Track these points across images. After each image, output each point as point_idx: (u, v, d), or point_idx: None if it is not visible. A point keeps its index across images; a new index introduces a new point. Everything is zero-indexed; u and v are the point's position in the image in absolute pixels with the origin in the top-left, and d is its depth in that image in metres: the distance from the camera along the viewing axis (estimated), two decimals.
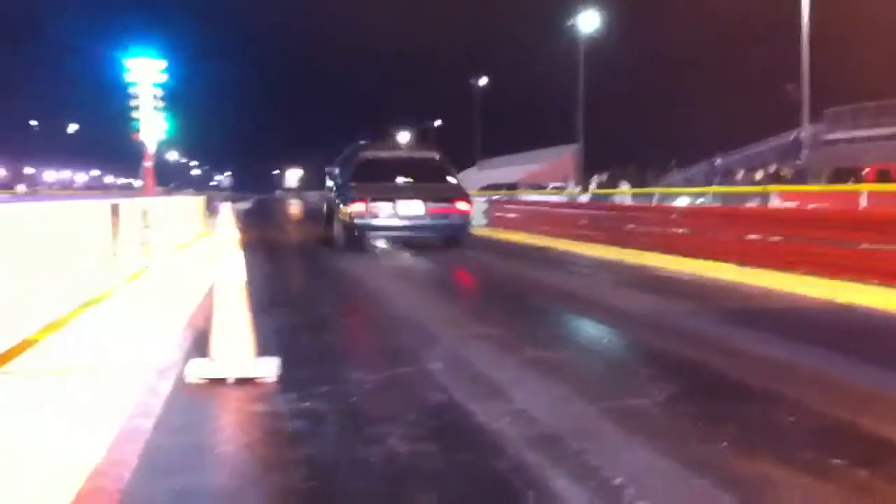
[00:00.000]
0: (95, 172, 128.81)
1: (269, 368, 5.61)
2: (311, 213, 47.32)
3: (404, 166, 17.66)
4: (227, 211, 5.80)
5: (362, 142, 19.33)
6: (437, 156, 18.22)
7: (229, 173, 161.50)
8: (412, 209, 16.15)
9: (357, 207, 15.87)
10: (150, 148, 19.58)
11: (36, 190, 55.26)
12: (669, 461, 4.07)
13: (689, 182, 48.39)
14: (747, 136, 48.45)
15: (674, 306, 9.39)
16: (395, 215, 16.07)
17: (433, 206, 16.25)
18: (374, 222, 16.04)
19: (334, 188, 18.90)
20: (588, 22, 50.57)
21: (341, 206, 16.72)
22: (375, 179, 16.67)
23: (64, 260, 7.61)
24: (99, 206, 9.31)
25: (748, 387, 5.56)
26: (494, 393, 5.34)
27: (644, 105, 60.00)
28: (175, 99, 19.81)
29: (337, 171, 19.25)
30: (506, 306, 9.53)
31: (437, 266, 14.85)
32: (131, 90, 18.54)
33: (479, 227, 28.50)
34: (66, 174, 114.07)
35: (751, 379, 5.76)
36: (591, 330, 8.21)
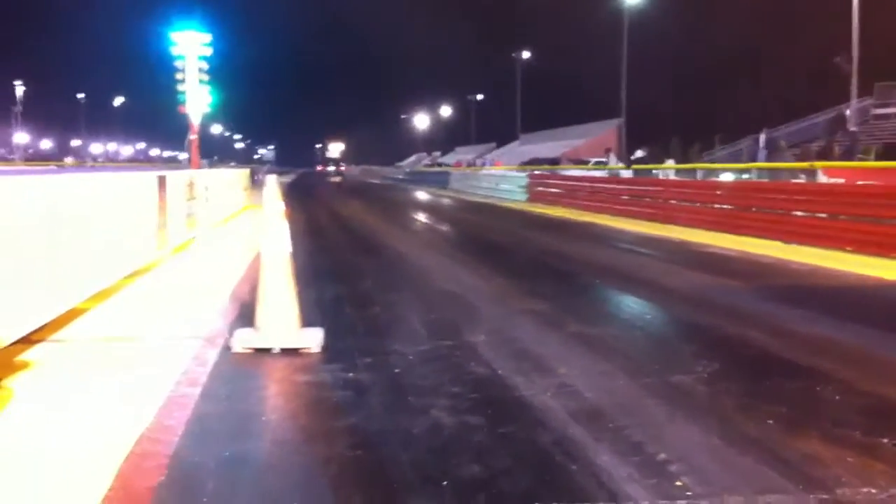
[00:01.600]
0: (141, 145, 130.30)
1: (313, 339, 5.66)
2: (353, 187, 47.60)
3: None
4: (272, 184, 5.81)
5: None
6: None
7: (272, 147, 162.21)
8: None
9: None
10: (195, 121, 19.76)
11: (83, 162, 56.04)
12: (713, 438, 4.04)
13: (733, 158, 47.68)
14: (795, 112, 47.50)
15: (718, 283, 9.30)
16: None
17: None
18: None
19: None
20: None
21: None
22: None
23: (112, 231, 7.71)
24: (146, 179, 9.42)
25: (794, 364, 5.50)
26: (538, 367, 5.34)
27: (689, 79, 58.86)
28: (219, 72, 19.95)
29: None
30: (548, 281, 9.51)
31: (477, 241, 14.84)
32: (177, 63, 18.72)
33: (519, 202, 28.45)
34: (112, 146, 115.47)
35: (797, 356, 5.69)
36: (634, 306, 8.16)
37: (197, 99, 19.74)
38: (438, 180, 45.47)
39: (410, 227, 17.90)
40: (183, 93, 19.49)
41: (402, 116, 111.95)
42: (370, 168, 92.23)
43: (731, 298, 8.26)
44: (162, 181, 10.01)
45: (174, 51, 19.51)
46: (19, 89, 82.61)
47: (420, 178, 53.15)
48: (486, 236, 16.03)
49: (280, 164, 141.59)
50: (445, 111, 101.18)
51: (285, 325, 5.62)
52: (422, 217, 22.39)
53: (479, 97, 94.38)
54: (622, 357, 5.67)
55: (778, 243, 12.94)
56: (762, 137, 52.98)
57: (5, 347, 5.12)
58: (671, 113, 59.38)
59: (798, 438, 4.04)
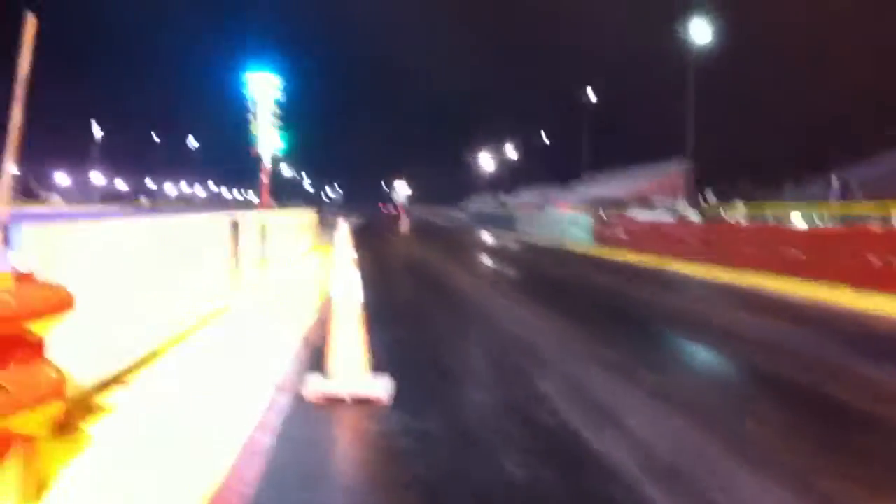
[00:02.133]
0: (214, 188, 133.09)
1: (383, 387, 5.69)
2: (419, 228, 47.91)
3: None
4: (342, 231, 5.91)
5: None
6: None
7: (337, 186, 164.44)
8: None
9: None
10: (267, 162, 20.22)
11: (158, 202, 57.71)
12: (793, 497, 3.95)
13: (804, 198, 46.48)
14: (871, 149, 46.42)
15: (790, 331, 9.14)
16: None
17: None
18: None
19: None
20: (699, 32, 49.47)
21: None
22: None
23: (187, 273, 7.89)
24: (220, 221, 9.63)
25: (873, 418, 5.35)
26: (609, 420, 5.29)
27: (757, 116, 57.98)
28: (289, 115, 20.49)
29: None
30: (617, 328, 9.42)
31: (545, 285, 14.81)
32: (249, 105, 19.24)
33: (584, 244, 28.31)
34: (185, 187, 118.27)
35: (876, 410, 5.54)
36: (706, 354, 8.04)
37: (268, 141, 20.18)
38: (504, 222, 45.56)
39: (477, 271, 17.88)
40: (255, 135, 19.95)
41: (467, 156, 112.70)
42: (435, 209, 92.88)
43: (804, 346, 8.11)
44: (235, 224, 10.22)
45: (247, 93, 20.02)
46: (97, 130, 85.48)
47: (485, 220, 53.27)
48: (553, 280, 15.97)
49: (347, 201, 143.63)
50: (510, 151, 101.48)
51: (356, 373, 5.67)
52: (487, 260, 22.40)
53: (545, 138, 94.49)
54: (694, 408, 5.59)
55: (849, 289, 12.69)
56: (834, 180, 51.95)
57: (86, 390, 5.25)
58: (738, 153, 58.59)
59: (879, 500, 3.92)
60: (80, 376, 5.16)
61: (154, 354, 6.78)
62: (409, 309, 11.13)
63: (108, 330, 5.59)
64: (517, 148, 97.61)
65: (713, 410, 5.61)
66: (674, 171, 63.32)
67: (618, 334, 8.83)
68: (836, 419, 5.37)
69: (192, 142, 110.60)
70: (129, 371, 6.15)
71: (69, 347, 4.66)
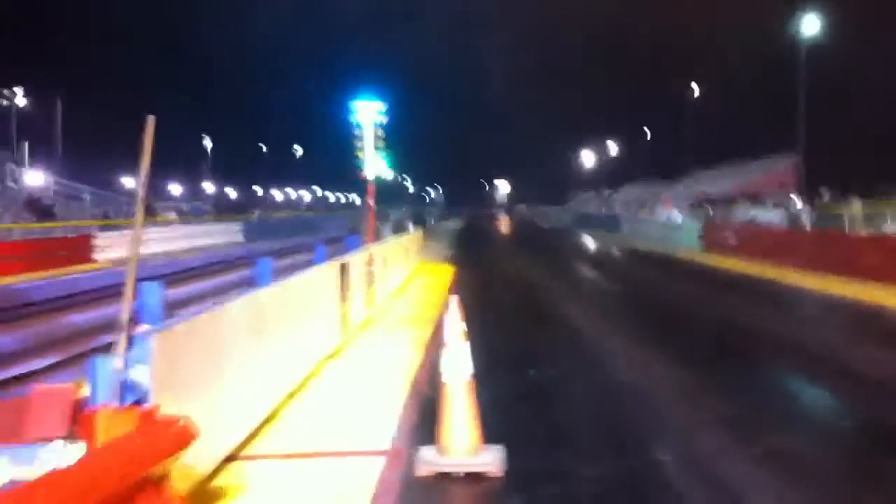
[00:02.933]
0: (317, 190, 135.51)
1: (494, 459, 5.60)
2: (521, 234, 47.71)
3: None
4: (453, 308, 5.82)
5: None
6: None
7: (439, 188, 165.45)
8: None
9: None
10: (371, 185, 20.55)
11: (268, 213, 59.23)
12: None
13: None
14: None
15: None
16: None
17: None
18: None
19: None
20: (810, 24, 47.71)
21: None
22: None
23: (304, 327, 8.00)
24: (329, 270, 9.72)
25: None
26: (731, 497, 5.07)
27: (869, 110, 55.52)
28: (390, 127, 20.80)
29: None
30: (734, 371, 9.00)
31: (653, 309, 14.49)
32: (356, 132, 19.55)
33: (693, 250, 27.66)
34: (291, 192, 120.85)
35: None
36: (832, 406, 7.66)
37: (374, 164, 20.51)
38: (608, 225, 44.96)
39: (579, 289, 17.72)
40: (362, 159, 20.28)
41: (570, 153, 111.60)
42: (538, 209, 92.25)
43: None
44: (344, 268, 10.32)
45: (354, 118, 20.38)
46: (207, 143, 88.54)
47: (590, 222, 52.62)
48: (662, 302, 15.62)
49: (449, 203, 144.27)
50: (613, 147, 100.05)
51: (467, 448, 5.60)
52: (591, 274, 22.17)
53: (647, 133, 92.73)
54: (823, 482, 5.31)
55: None
56: None
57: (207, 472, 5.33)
58: (851, 144, 56.15)
59: None
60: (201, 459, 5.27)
61: (269, 419, 6.87)
62: (508, 345, 10.93)
63: (222, 411, 5.67)
64: (621, 145, 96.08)
65: (845, 482, 5.33)
66: (784, 166, 61.25)
67: (736, 380, 8.48)
68: None
69: (297, 149, 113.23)
70: (245, 443, 6.24)
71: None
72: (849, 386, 8.02)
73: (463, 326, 5.79)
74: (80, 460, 3.27)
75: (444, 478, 5.55)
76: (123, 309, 4.50)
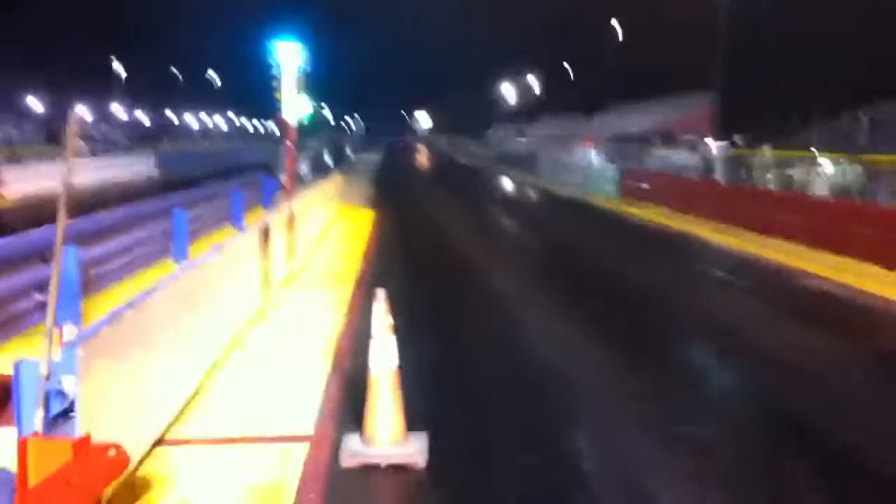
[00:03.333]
0: (231, 117, 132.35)
1: (418, 449, 5.74)
2: (440, 170, 47.71)
3: None
4: (380, 302, 5.87)
5: None
6: None
7: (358, 117, 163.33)
8: None
9: None
10: (292, 128, 20.08)
11: (179, 141, 57.58)
12: None
13: (831, 139, 44.93)
14: None
15: (845, 349, 8.95)
16: None
17: None
18: None
19: None
20: None
21: None
22: None
23: (220, 305, 7.96)
24: (251, 237, 9.65)
25: None
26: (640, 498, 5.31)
27: (792, 43, 56.19)
28: (309, 51, 20.13)
29: None
30: (642, 344, 9.17)
31: (569, 267, 14.82)
32: (274, 73, 18.90)
33: (610, 196, 28.15)
34: (207, 120, 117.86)
35: None
36: (746, 391, 7.76)
37: (294, 107, 19.97)
38: (527, 165, 45.23)
39: (496, 243, 18.03)
40: (279, 101, 19.72)
41: (489, 86, 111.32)
42: (457, 141, 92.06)
43: (864, 380, 7.95)
44: (266, 232, 10.25)
45: (272, 60, 19.72)
46: (117, 66, 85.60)
47: (509, 161, 52.71)
48: (580, 258, 15.98)
49: (368, 132, 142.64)
50: (532, 81, 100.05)
51: (393, 439, 5.74)
52: (507, 224, 22.50)
53: (567, 67, 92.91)
54: (739, 487, 5.52)
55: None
56: (861, 116, 50.36)
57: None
58: (769, 84, 57.10)
59: None
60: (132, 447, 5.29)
61: (194, 396, 6.88)
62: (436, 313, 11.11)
63: (145, 400, 5.67)
64: (540, 79, 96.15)
65: (759, 490, 5.63)
66: (700, 104, 62.23)
67: (642, 356, 8.78)
68: None
69: (213, 77, 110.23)
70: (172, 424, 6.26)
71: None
72: (766, 370, 8.19)
73: (390, 320, 5.87)
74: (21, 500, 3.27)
75: (369, 468, 5.68)
76: (49, 313, 4.43)
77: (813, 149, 26.98)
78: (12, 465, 5.10)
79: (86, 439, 3.63)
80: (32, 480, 3.44)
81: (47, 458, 3.49)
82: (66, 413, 4.50)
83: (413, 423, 5.85)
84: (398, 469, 5.64)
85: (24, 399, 4.40)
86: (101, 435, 4.50)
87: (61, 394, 4.48)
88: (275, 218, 11.24)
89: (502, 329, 9.80)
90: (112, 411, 4.94)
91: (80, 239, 10.18)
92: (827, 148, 28.69)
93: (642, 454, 5.97)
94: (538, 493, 5.39)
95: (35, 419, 4.17)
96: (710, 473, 5.69)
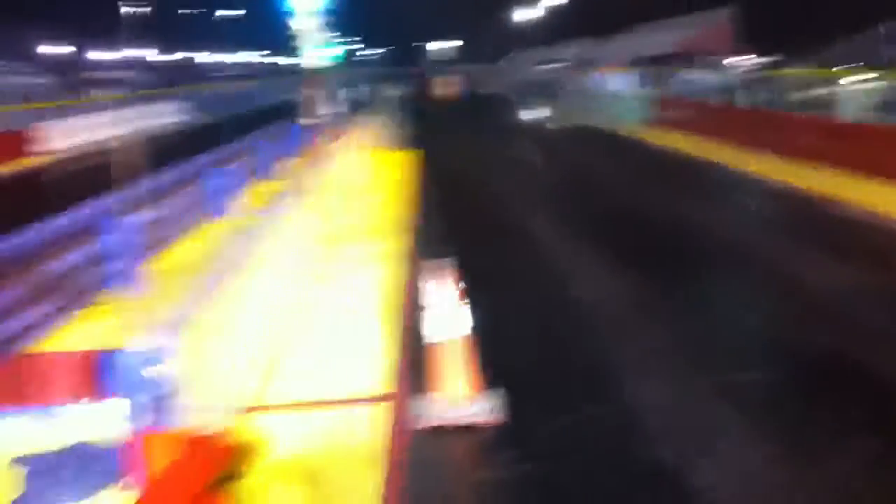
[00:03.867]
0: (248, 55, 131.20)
1: (488, 410, 6.02)
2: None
3: None
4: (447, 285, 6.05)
5: None
6: None
7: (374, 50, 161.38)
8: None
9: None
10: (315, 75, 19.97)
11: (207, 87, 57.44)
12: None
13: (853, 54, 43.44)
14: None
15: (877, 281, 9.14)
16: None
17: None
18: None
19: None
20: None
21: None
22: None
23: (281, 267, 8.22)
24: (298, 201, 9.86)
25: None
26: (696, 443, 5.54)
27: None
28: None
29: None
30: (677, 281, 9.47)
31: (596, 203, 14.95)
32: (291, 21, 18.61)
33: (634, 123, 27.97)
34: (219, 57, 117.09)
35: None
36: (785, 333, 7.80)
37: (315, 53, 19.83)
38: (549, 93, 44.80)
39: (524, 180, 18.29)
40: (300, 48, 19.56)
41: (505, 13, 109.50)
42: (475, 71, 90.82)
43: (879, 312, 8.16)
44: (308, 191, 10.48)
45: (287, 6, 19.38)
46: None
47: (529, 90, 52.04)
48: (607, 195, 16.09)
49: (384, 64, 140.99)
50: (545, 3, 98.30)
51: (468, 400, 6.03)
52: (532, 156, 22.53)
53: None
54: (784, 430, 5.74)
55: None
56: (881, 31, 48.82)
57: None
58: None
59: None
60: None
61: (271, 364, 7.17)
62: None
63: (234, 371, 5.99)
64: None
65: (805, 432, 5.86)
66: (721, 21, 60.97)
67: (678, 292, 9.00)
68: None
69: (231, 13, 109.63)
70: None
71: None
72: (803, 307, 8.43)
73: (461, 286, 6.11)
74: (143, 496, 3.56)
75: (447, 428, 5.96)
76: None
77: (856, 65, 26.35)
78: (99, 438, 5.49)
79: (195, 431, 3.90)
80: (149, 472, 3.72)
81: (161, 450, 3.77)
82: (167, 398, 4.79)
83: None
84: (475, 428, 5.93)
85: (127, 386, 4.69)
86: (195, 410, 4.84)
87: (162, 380, 4.76)
88: (324, 170, 11.42)
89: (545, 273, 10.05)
90: (206, 387, 5.25)
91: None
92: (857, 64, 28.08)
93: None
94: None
95: (137, 406, 4.47)
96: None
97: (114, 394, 5.08)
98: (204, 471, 3.77)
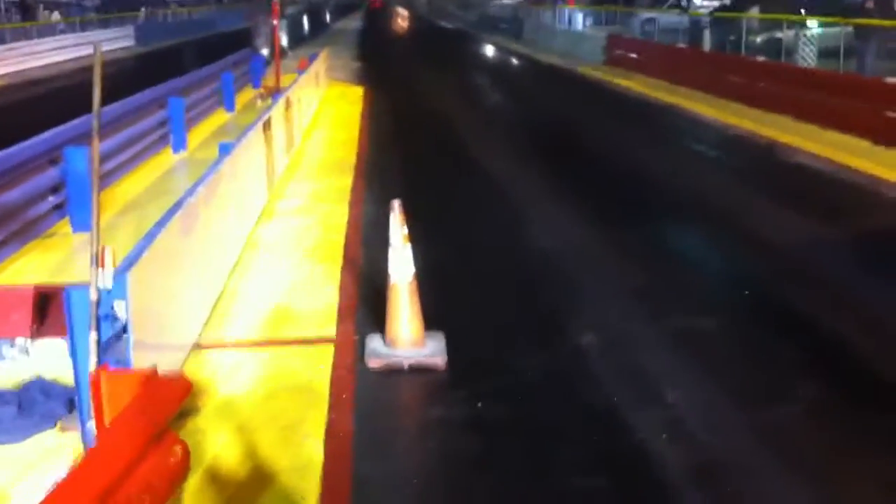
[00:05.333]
0: None
1: (438, 350, 6.13)
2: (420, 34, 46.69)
3: None
4: (395, 218, 6.11)
5: None
6: None
7: None
8: None
9: None
10: (276, 3, 19.56)
11: (155, 11, 55.09)
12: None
13: None
14: None
15: (824, 228, 9.35)
16: None
17: None
18: None
19: None
20: None
21: None
22: None
23: (234, 206, 8.21)
24: (256, 135, 9.79)
25: None
26: (650, 393, 5.70)
27: None
28: None
29: None
30: (633, 228, 9.51)
31: (557, 144, 15.01)
32: None
33: (596, 64, 27.97)
34: None
35: None
36: (735, 280, 8.02)
37: None
38: (511, 29, 44.45)
39: (485, 120, 18.19)
40: None
41: None
42: (436, 2, 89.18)
43: (836, 258, 8.36)
44: (267, 124, 10.39)
45: None
46: None
47: (490, 24, 51.56)
48: (569, 136, 16.16)
49: None
50: None
51: (413, 342, 6.14)
52: (494, 96, 22.44)
53: None
54: (731, 374, 5.92)
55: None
56: None
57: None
58: None
59: None
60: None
61: (218, 300, 7.21)
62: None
63: (181, 309, 6.02)
64: None
65: (746, 378, 6.07)
66: None
67: (634, 240, 9.14)
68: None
69: None
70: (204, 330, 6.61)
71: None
72: (755, 255, 8.61)
73: (405, 230, 6.17)
74: (103, 434, 3.61)
75: (392, 369, 6.07)
76: (93, 237, 4.62)
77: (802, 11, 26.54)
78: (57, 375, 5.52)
79: (153, 370, 3.94)
80: (107, 412, 3.76)
81: (119, 390, 3.80)
82: (119, 336, 4.81)
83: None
84: (419, 369, 6.06)
85: (77, 324, 4.70)
86: (145, 348, 4.89)
87: (113, 317, 4.78)
88: (275, 111, 11.32)
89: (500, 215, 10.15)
90: (153, 324, 5.29)
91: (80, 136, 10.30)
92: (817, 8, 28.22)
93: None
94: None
95: (89, 344, 4.48)
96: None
97: (62, 330, 5.10)
98: (163, 410, 3.82)
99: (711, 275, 8.30)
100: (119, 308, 4.74)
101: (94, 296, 4.57)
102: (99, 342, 4.51)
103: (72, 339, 4.72)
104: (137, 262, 4.95)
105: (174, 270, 5.81)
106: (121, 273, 4.74)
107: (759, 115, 16.28)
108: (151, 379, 3.87)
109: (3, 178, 8.42)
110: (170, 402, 3.87)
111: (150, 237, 5.42)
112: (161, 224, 5.71)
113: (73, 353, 4.72)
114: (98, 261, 4.58)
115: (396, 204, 6.21)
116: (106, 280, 4.63)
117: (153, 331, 5.21)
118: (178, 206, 6.19)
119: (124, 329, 4.80)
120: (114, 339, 4.77)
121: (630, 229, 9.41)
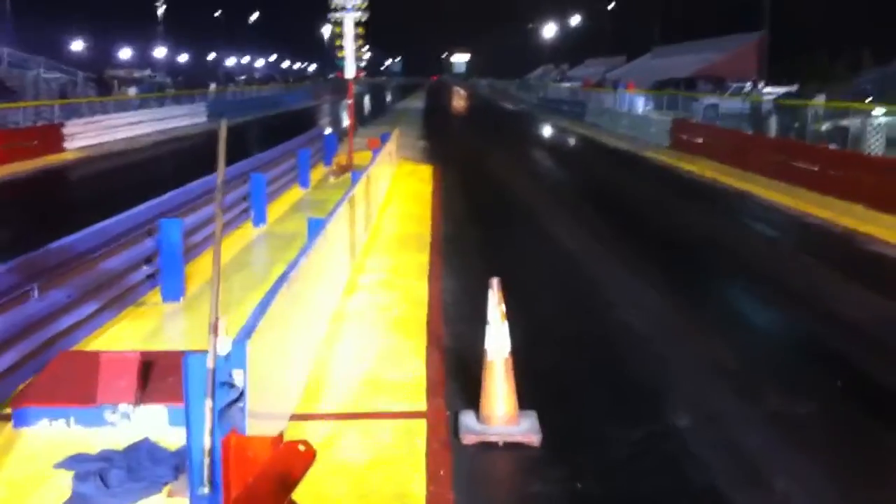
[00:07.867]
0: (274, 58, 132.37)
1: (531, 428, 6.18)
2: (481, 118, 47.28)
3: None
4: (493, 303, 6.21)
5: None
6: None
7: (398, 59, 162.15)
8: None
9: None
10: (353, 83, 20.29)
11: (224, 88, 57.51)
12: None
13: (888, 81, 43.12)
14: None
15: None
16: None
17: None
18: None
19: None
20: None
21: None
22: None
23: (326, 279, 8.43)
24: (343, 211, 10.06)
25: None
26: (752, 477, 5.69)
27: None
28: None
29: None
30: (720, 310, 9.65)
31: (635, 234, 15.07)
32: (335, 30, 18.96)
33: (660, 147, 28.10)
34: (246, 60, 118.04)
35: None
36: (832, 365, 7.94)
37: (354, 63, 20.21)
38: (574, 111, 45.04)
39: (557, 204, 18.29)
40: (342, 58, 19.97)
41: (530, 25, 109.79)
42: (496, 85, 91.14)
43: None
44: (351, 201, 10.67)
45: (331, 17, 19.92)
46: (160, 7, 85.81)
47: (553, 107, 52.36)
48: (647, 222, 16.20)
49: (406, 74, 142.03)
50: (574, 19, 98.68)
51: (507, 419, 6.19)
52: (562, 177, 22.58)
53: (611, 5, 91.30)
54: (836, 463, 5.88)
55: None
56: None
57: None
58: (820, 22, 55.44)
59: None
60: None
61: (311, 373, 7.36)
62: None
63: (283, 379, 6.17)
64: (584, 17, 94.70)
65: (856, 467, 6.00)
66: (748, 45, 60.96)
67: (725, 324, 9.12)
68: None
69: (255, 16, 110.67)
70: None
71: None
72: (848, 341, 8.58)
73: (503, 308, 6.27)
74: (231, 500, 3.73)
75: (486, 445, 6.12)
76: (213, 305, 4.77)
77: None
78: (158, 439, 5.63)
79: (279, 437, 4.06)
80: (234, 476, 3.88)
81: (248, 456, 3.93)
82: (234, 403, 4.94)
83: None
84: (513, 446, 6.10)
85: (192, 391, 4.83)
86: (255, 417, 5.00)
87: (230, 385, 4.91)
88: (357, 187, 11.62)
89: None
90: (264, 393, 5.43)
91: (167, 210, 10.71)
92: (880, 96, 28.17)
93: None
94: None
95: (205, 410, 4.61)
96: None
97: (166, 397, 5.23)
98: (292, 477, 3.92)
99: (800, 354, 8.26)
100: (237, 376, 4.87)
101: (211, 363, 4.72)
102: (214, 409, 4.65)
103: (187, 405, 4.84)
104: (254, 332, 5.10)
105: (281, 340, 5.97)
106: (240, 342, 4.88)
107: (829, 202, 16.20)
108: (281, 446, 3.98)
109: (106, 246, 8.74)
110: (297, 469, 3.97)
111: (262, 307, 5.58)
112: (272, 294, 5.89)
113: (188, 420, 4.84)
114: (215, 329, 4.75)
115: (495, 282, 6.32)
116: (224, 348, 4.79)
117: (263, 400, 5.35)
118: (284, 277, 6.38)
119: (240, 397, 4.93)
120: (228, 406, 4.91)
121: (728, 324, 9.44)
